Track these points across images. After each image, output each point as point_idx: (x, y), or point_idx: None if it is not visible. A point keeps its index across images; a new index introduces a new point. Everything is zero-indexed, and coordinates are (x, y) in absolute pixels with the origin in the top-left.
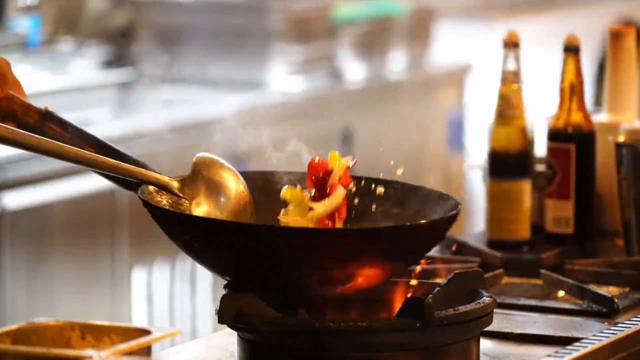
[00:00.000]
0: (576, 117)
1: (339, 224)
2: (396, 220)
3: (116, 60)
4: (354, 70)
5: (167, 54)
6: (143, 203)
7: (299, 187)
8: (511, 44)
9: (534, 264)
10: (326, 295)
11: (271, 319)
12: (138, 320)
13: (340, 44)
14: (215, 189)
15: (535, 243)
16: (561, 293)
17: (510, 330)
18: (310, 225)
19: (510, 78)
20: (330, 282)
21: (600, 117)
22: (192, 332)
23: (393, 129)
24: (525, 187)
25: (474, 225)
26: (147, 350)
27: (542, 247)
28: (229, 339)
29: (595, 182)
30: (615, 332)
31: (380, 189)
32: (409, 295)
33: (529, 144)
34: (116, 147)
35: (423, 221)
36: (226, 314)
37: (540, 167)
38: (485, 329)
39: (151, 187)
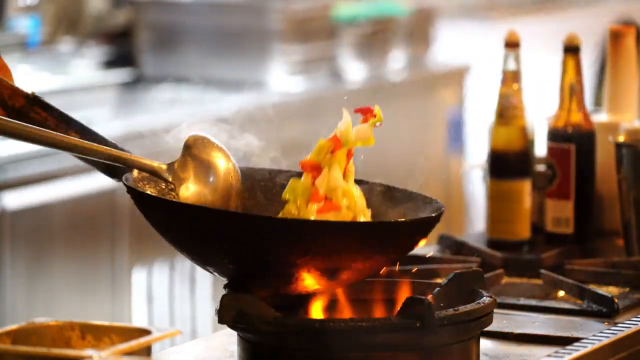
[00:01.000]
0: (576, 117)
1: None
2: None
3: (116, 60)
4: (354, 70)
5: (167, 54)
6: (127, 189)
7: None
8: (511, 44)
9: (534, 264)
10: (307, 290)
11: (271, 319)
12: (138, 320)
13: (340, 44)
14: (204, 169)
15: (535, 243)
16: (561, 293)
17: (510, 330)
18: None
19: (510, 78)
20: (313, 275)
21: (600, 117)
22: (192, 332)
23: (393, 129)
24: (525, 187)
25: (474, 225)
26: (147, 350)
27: (542, 247)
28: (229, 339)
29: (595, 182)
30: (615, 332)
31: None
32: (409, 295)
33: (529, 144)
34: (101, 134)
35: (407, 219)
36: (226, 314)
37: (540, 167)
38: (485, 329)
39: (136, 174)
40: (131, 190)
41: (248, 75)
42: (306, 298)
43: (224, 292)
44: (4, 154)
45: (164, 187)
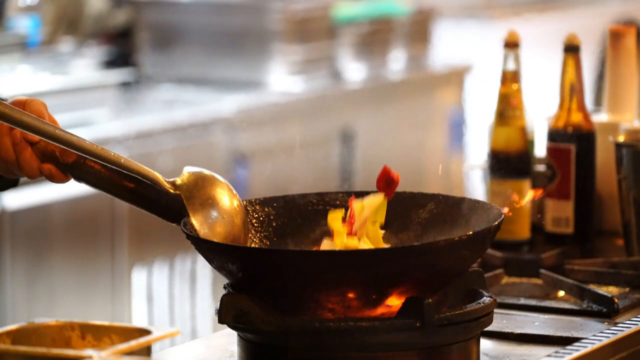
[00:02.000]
0: (576, 117)
1: None
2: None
3: (116, 60)
4: (354, 70)
5: (167, 54)
6: (186, 236)
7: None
8: (511, 44)
9: (534, 264)
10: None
11: (271, 319)
12: (138, 320)
13: (340, 44)
14: (208, 204)
15: (535, 243)
16: (561, 293)
17: (510, 330)
18: None
19: (510, 78)
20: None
21: (600, 117)
22: (192, 332)
23: (393, 129)
24: (525, 187)
25: None
26: (147, 350)
27: (542, 247)
28: (229, 339)
29: (595, 182)
30: (615, 332)
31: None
32: (409, 295)
33: (529, 144)
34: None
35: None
36: (226, 314)
37: (540, 167)
38: (485, 329)
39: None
40: (191, 238)
41: (248, 75)
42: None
43: (224, 292)
44: None
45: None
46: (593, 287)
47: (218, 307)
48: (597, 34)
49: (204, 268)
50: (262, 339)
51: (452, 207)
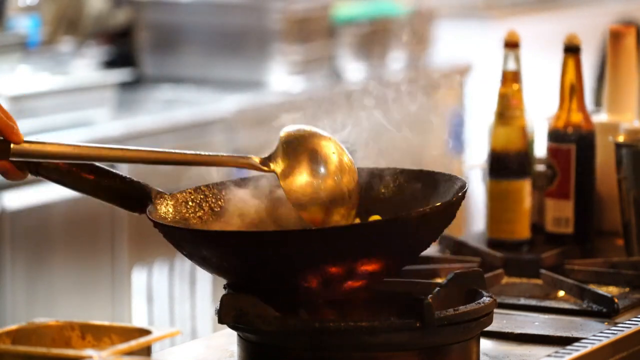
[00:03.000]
0: (576, 117)
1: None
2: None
3: (116, 60)
4: (354, 70)
5: (167, 54)
6: (153, 224)
7: None
8: (511, 44)
9: (534, 264)
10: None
11: (271, 319)
12: (138, 320)
13: (340, 44)
14: (311, 158)
15: (535, 243)
16: (561, 293)
17: (510, 330)
18: None
19: (510, 78)
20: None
21: (600, 117)
22: (192, 332)
23: (392, 129)
24: (525, 187)
25: (474, 225)
26: (147, 350)
27: (542, 247)
28: (229, 339)
29: (595, 182)
30: (615, 332)
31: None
32: (409, 295)
33: (529, 144)
34: (116, 171)
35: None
36: (226, 314)
37: (540, 167)
38: (485, 329)
39: (157, 202)
40: (160, 226)
41: (248, 75)
42: (306, 298)
43: (224, 292)
44: None
45: (184, 211)
46: (593, 287)
47: (218, 307)
48: (597, 34)
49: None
50: (262, 339)
51: (413, 180)
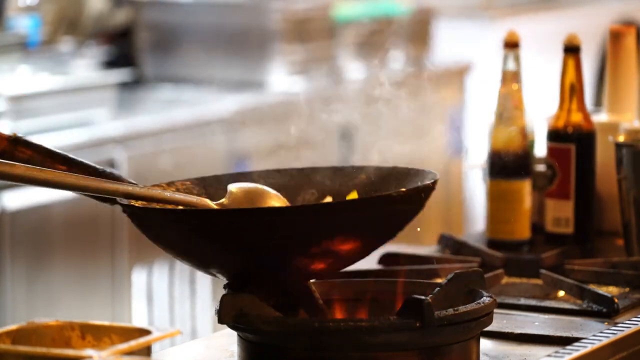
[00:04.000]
0: (576, 117)
1: None
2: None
3: (116, 60)
4: (354, 70)
5: (167, 54)
6: (122, 209)
7: None
8: (511, 44)
9: (534, 264)
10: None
11: (271, 319)
12: (138, 320)
13: (340, 44)
14: None
15: (535, 243)
16: (561, 293)
17: (510, 330)
18: None
19: (510, 78)
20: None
21: (600, 117)
22: (192, 332)
23: (392, 129)
24: (525, 187)
25: (474, 225)
26: (147, 350)
27: (542, 247)
28: (229, 339)
29: (595, 182)
30: (615, 332)
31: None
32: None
33: (529, 144)
34: (88, 162)
35: (401, 190)
36: (226, 314)
37: (540, 167)
38: (485, 329)
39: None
40: (131, 208)
41: (248, 75)
42: (306, 298)
43: (224, 292)
44: None
45: (155, 204)
46: (593, 287)
47: (218, 307)
48: (597, 34)
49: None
50: (262, 339)
51: (386, 176)
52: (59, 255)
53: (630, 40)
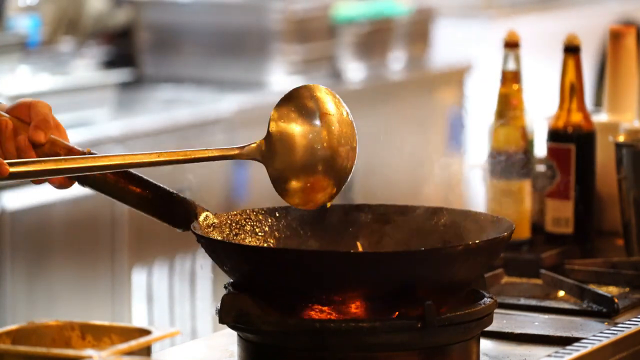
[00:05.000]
0: (576, 117)
1: None
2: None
3: (116, 60)
4: (354, 70)
5: (167, 54)
6: (197, 238)
7: None
8: (511, 44)
9: (534, 264)
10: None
11: (271, 319)
12: (138, 320)
13: (340, 44)
14: (289, 141)
15: (535, 243)
16: (561, 293)
17: (510, 330)
18: None
19: (511, 78)
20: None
21: (600, 117)
22: (192, 332)
23: (393, 129)
24: (526, 187)
25: None
26: (147, 350)
27: (542, 247)
28: (229, 339)
29: (595, 182)
30: (615, 332)
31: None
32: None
33: (529, 144)
34: (161, 185)
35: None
36: (226, 314)
37: (540, 167)
38: (485, 329)
39: (202, 219)
40: (203, 239)
41: (248, 75)
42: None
43: (224, 292)
44: None
45: (228, 232)
46: (593, 287)
47: (218, 307)
48: (597, 34)
49: (204, 268)
50: (262, 339)
51: (460, 220)
52: (59, 255)
53: (630, 40)
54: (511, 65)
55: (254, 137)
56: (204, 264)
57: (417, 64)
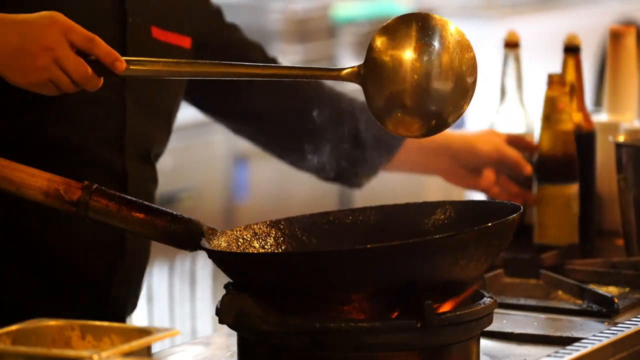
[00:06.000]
0: (576, 117)
1: None
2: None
3: None
4: None
5: None
6: (208, 254)
7: None
8: (511, 44)
9: (534, 264)
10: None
11: (271, 319)
12: (138, 320)
13: (340, 44)
14: (391, 66)
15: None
16: (561, 293)
17: (510, 330)
18: None
19: (557, 81)
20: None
21: (600, 117)
22: (192, 332)
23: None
24: (573, 191)
25: None
26: (147, 350)
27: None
28: (229, 339)
29: (596, 182)
30: (615, 332)
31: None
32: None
33: (576, 147)
34: (166, 209)
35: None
36: (226, 314)
37: None
38: (485, 329)
39: (209, 236)
40: (215, 253)
41: None
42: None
43: (224, 292)
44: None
45: (235, 248)
46: (593, 287)
47: (218, 307)
48: (597, 34)
49: (203, 268)
50: (262, 339)
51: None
52: None
53: (630, 40)
54: (512, 69)
55: None
56: (203, 264)
57: None
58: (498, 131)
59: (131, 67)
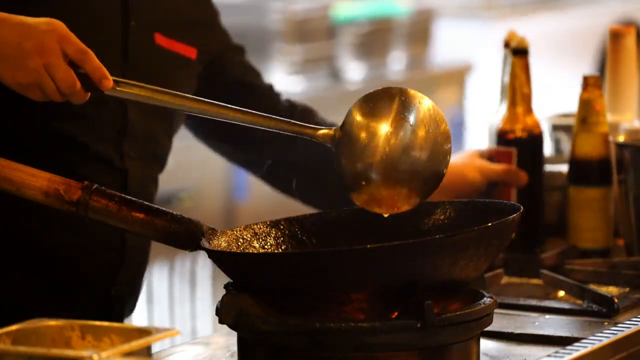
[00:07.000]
0: (529, 120)
1: None
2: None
3: None
4: (354, 70)
5: None
6: (208, 254)
7: None
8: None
9: (534, 264)
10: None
11: (271, 319)
12: (138, 320)
13: (340, 44)
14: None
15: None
16: (561, 293)
17: (510, 330)
18: None
19: (593, 83)
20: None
21: None
22: (192, 332)
23: None
24: (609, 194)
25: None
26: (147, 350)
27: (542, 247)
28: (229, 339)
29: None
30: (615, 332)
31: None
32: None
33: (610, 150)
34: (166, 210)
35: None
36: (226, 314)
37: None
38: (485, 329)
39: (209, 236)
40: (215, 253)
41: None
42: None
43: (224, 292)
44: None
45: (235, 248)
46: (593, 287)
47: (218, 307)
48: (597, 34)
49: (203, 268)
50: (262, 339)
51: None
52: None
53: (630, 40)
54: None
55: None
56: (203, 264)
57: (417, 64)
58: (478, 150)
59: (117, 87)
